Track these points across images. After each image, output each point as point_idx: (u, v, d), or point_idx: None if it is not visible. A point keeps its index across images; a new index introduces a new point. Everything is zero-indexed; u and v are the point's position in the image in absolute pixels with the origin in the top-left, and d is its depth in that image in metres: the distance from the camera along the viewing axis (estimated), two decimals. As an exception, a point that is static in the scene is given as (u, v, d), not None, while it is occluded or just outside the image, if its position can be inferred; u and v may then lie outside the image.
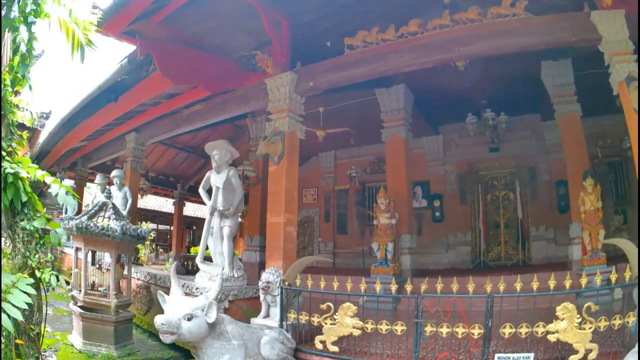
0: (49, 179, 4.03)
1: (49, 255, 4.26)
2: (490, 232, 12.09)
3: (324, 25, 7.49)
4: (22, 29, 3.92)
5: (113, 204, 6.83)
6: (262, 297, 6.26)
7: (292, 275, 6.22)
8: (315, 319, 5.65)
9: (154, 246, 17.41)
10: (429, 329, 4.90)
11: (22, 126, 4.63)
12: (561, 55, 8.04)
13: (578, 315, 4.39)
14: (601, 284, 5.04)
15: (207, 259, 7.46)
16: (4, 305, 3.06)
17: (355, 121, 11.19)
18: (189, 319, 4.46)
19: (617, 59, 5.23)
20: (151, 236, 12.74)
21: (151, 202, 25.63)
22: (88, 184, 17.08)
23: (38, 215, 4.20)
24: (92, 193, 13.34)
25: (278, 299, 6.06)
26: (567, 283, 4.60)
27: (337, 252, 15.00)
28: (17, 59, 3.85)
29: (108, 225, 6.30)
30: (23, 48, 4.03)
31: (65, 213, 13.24)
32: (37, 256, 4.01)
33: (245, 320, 6.30)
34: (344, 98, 9.73)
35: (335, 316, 5.42)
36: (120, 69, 7.59)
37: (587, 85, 7.89)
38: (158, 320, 4.32)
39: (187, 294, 6.76)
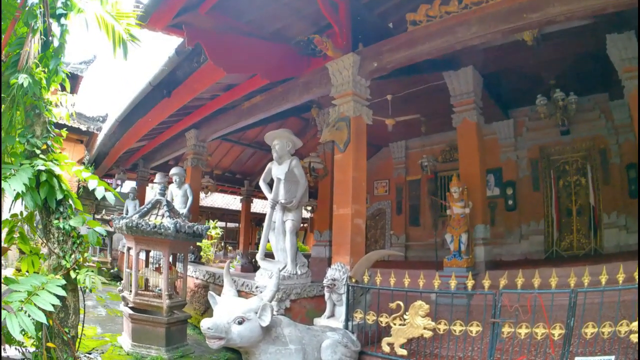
0: (85, 175, 3.82)
1: (86, 254, 3.99)
2: (562, 220, 11.50)
3: (384, 5, 7.16)
4: (54, 24, 3.81)
5: (167, 202, 6.57)
6: (327, 295, 5.85)
7: (360, 271, 5.77)
8: (384, 319, 5.21)
9: (222, 244, 17.51)
10: (506, 329, 4.35)
11: (69, 128, 4.47)
12: (625, 27, 7.36)
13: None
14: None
15: (270, 255, 7.05)
16: (28, 307, 2.90)
17: (425, 108, 10.90)
18: (240, 323, 4.06)
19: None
20: (218, 234, 12.62)
21: (218, 200, 26.06)
22: (150, 184, 17.43)
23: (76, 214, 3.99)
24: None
25: (344, 297, 5.64)
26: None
27: (410, 245, 14.65)
28: (37, 47, 3.62)
29: (160, 223, 6.01)
30: (56, 43, 3.91)
31: (126, 214, 13.38)
32: (73, 256, 3.76)
33: (308, 320, 5.96)
34: (412, 84, 9.45)
35: (405, 316, 4.97)
36: (169, 61, 7.36)
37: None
38: (204, 324, 3.93)
39: (247, 294, 6.47)
